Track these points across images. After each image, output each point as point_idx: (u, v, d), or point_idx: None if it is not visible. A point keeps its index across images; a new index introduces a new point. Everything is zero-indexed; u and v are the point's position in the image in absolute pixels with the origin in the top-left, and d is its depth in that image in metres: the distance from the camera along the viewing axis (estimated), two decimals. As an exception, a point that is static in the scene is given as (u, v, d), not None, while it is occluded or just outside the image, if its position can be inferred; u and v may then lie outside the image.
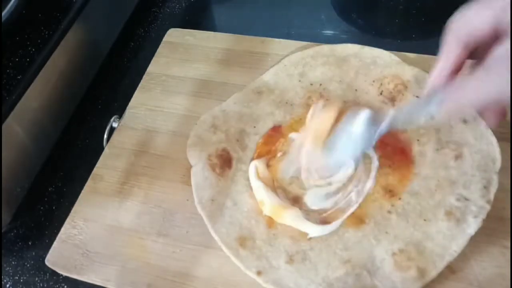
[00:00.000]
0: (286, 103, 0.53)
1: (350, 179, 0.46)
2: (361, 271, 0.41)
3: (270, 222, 0.45)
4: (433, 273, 0.41)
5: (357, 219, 0.44)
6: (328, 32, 0.68)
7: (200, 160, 0.49)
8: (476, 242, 0.43)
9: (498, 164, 0.46)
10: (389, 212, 0.44)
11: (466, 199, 0.44)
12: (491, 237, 0.43)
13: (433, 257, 0.41)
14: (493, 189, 0.45)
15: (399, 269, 0.41)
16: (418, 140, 0.48)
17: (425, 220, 0.43)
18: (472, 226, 0.42)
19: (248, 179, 0.48)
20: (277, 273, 0.42)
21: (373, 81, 0.54)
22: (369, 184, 0.46)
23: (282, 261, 0.42)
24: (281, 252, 0.43)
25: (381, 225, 0.44)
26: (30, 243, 0.51)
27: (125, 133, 0.55)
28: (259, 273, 0.42)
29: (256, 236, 0.44)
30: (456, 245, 0.42)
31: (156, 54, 0.63)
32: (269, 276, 0.42)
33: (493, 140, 0.47)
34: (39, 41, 0.51)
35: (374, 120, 0.43)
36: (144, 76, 0.61)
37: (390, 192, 0.45)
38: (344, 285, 0.41)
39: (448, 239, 0.42)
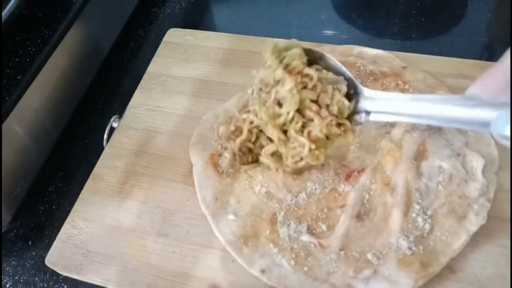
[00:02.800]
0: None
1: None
2: (365, 265, 0.41)
3: (274, 220, 0.45)
4: (436, 268, 0.41)
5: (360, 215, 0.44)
6: (328, 32, 0.68)
7: (203, 159, 0.49)
8: (476, 242, 0.43)
9: (496, 165, 0.47)
10: (392, 207, 0.44)
11: (468, 198, 0.44)
12: (491, 237, 0.44)
13: (436, 252, 0.42)
14: (492, 188, 0.45)
15: (402, 264, 0.41)
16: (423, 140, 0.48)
17: (428, 216, 0.44)
18: (474, 223, 0.43)
19: (251, 177, 0.48)
20: (281, 271, 0.42)
21: (375, 81, 0.54)
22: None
23: (286, 258, 0.43)
24: (285, 249, 0.43)
25: (384, 221, 0.44)
26: (30, 243, 0.51)
27: (125, 133, 0.55)
28: (263, 271, 0.42)
29: (260, 233, 0.44)
30: (459, 242, 0.42)
31: (156, 54, 0.63)
32: (273, 274, 0.42)
33: (492, 141, 0.48)
34: (39, 41, 0.51)
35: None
36: (144, 76, 0.61)
37: (393, 189, 0.45)
38: (348, 279, 0.41)
39: (451, 236, 0.42)
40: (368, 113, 0.42)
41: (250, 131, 0.48)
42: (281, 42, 0.45)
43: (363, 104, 0.42)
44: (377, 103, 0.41)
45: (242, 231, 0.44)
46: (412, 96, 0.40)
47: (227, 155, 0.49)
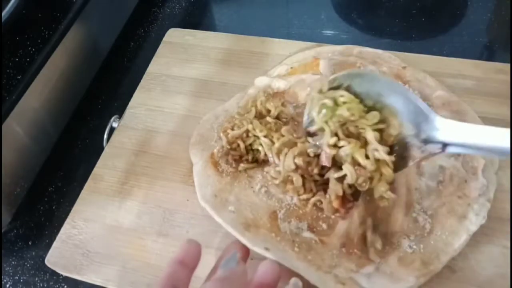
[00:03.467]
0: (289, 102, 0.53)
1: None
2: (367, 262, 0.41)
3: (274, 217, 0.45)
4: (437, 266, 0.41)
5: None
6: (328, 32, 0.68)
7: (203, 158, 0.49)
8: (476, 242, 0.43)
9: (496, 165, 0.47)
10: (393, 207, 0.44)
11: (468, 197, 0.44)
12: (491, 237, 0.44)
13: (436, 251, 0.42)
14: (492, 188, 0.45)
15: (403, 262, 0.41)
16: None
17: (428, 216, 0.44)
18: (474, 223, 0.43)
19: (251, 176, 0.48)
20: (285, 256, 0.42)
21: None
22: None
23: (288, 248, 0.42)
24: (287, 240, 0.43)
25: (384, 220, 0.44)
26: (30, 243, 0.51)
27: (125, 133, 0.55)
28: (267, 249, 0.41)
29: (260, 225, 0.44)
30: (459, 242, 0.42)
31: (156, 54, 0.63)
32: (277, 253, 0.41)
33: None
34: (39, 41, 0.51)
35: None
36: (144, 76, 0.61)
37: (393, 189, 0.45)
38: (349, 274, 0.41)
39: (451, 235, 0.42)
40: (445, 145, 0.37)
41: (247, 132, 0.48)
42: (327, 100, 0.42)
43: (436, 134, 0.38)
44: (455, 134, 0.37)
45: (243, 221, 0.44)
46: (498, 129, 0.35)
47: (218, 146, 0.49)
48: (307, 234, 0.43)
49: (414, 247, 0.42)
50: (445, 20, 0.68)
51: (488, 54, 0.64)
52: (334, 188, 0.42)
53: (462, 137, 0.36)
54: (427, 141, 0.38)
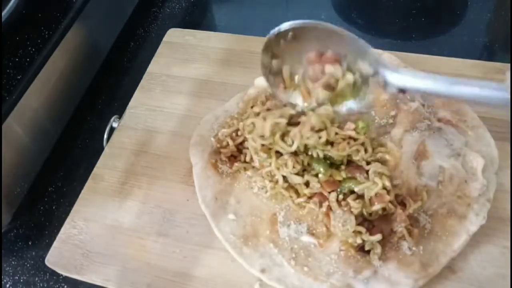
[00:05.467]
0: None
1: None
2: (365, 265, 0.41)
3: (274, 220, 0.45)
4: (436, 268, 0.41)
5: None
6: (328, 32, 0.68)
7: (202, 159, 0.49)
8: (476, 242, 0.43)
9: (496, 165, 0.47)
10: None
11: (468, 197, 0.44)
12: (491, 237, 0.44)
13: (436, 253, 0.42)
14: (492, 188, 0.45)
15: (403, 264, 0.41)
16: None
17: (428, 216, 0.44)
18: (474, 223, 0.43)
19: (251, 177, 0.48)
20: (281, 271, 0.42)
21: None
22: None
23: (286, 258, 0.42)
24: (285, 249, 0.43)
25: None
26: (30, 243, 0.51)
27: (125, 133, 0.55)
28: (263, 270, 0.42)
29: (259, 233, 0.44)
30: (459, 242, 0.42)
31: (156, 54, 0.63)
32: (273, 273, 0.42)
33: (491, 141, 0.48)
34: (39, 41, 0.51)
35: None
36: (144, 76, 0.61)
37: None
38: (348, 279, 0.41)
39: (451, 236, 0.42)
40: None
41: (237, 131, 0.48)
42: None
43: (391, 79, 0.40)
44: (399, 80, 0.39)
45: (242, 231, 0.44)
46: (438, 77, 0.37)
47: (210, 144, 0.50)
48: (306, 238, 0.43)
49: (414, 248, 0.42)
50: (445, 20, 0.68)
51: (488, 54, 0.64)
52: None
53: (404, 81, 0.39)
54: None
